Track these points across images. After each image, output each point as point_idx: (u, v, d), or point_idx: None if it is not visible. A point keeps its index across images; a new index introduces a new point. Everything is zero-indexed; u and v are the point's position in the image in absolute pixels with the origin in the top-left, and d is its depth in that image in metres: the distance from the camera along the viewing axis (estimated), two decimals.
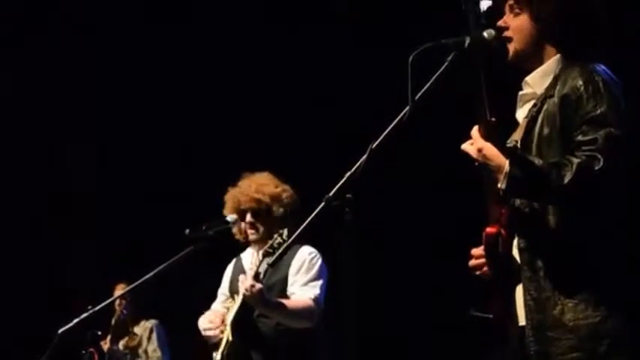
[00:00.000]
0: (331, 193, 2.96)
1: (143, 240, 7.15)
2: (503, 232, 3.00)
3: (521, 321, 3.03)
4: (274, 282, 4.65)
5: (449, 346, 6.23)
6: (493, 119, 2.94)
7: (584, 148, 2.88)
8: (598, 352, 2.89)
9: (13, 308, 7.43)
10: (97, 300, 4.73)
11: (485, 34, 3.04)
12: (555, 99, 3.00)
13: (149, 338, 6.84)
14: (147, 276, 4.63)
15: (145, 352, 6.79)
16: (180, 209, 6.68)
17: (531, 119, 3.07)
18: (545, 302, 2.95)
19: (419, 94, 2.99)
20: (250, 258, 4.85)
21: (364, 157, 2.96)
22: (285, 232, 4.55)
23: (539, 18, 3.10)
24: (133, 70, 7.60)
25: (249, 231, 4.79)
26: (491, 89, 2.93)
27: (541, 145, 3.01)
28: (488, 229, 3.01)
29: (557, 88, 3.02)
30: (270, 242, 4.56)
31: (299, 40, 7.11)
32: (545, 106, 3.03)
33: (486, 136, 2.94)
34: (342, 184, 2.96)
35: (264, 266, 4.55)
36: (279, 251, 3.19)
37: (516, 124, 3.21)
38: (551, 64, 3.12)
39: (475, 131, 2.97)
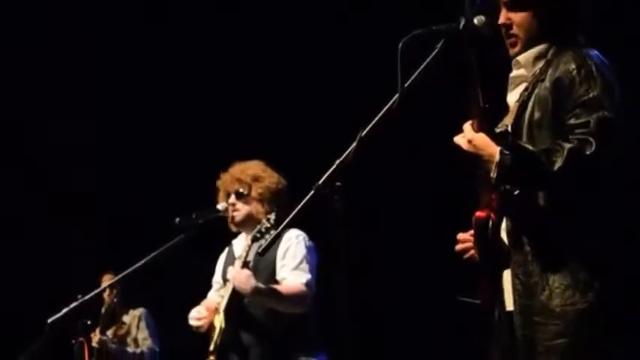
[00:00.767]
0: (320, 181, 2.96)
1: (133, 228, 7.14)
2: (492, 216, 3.01)
3: (509, 306, 3.04)
4: (263, 267, 4.64)
5: (443, 332, 6.25)
6: (486, 105, 2.94)
7: (576, 131, 2.89)
8: (584, 339, 2.90)
9: (2, 299, 7.42)
10: (86, 289, 4.71)
11: (475, 20, 3.05)
12: (547, 83, 3.01)
13: (138, 326, 6.82)
14: (136, 265, 4.62)
15: (135, 340, 6.78)
16: (170, 197, 6.67)
17: (522, 103, 3.08)
18: (532, 287, 2.96)
19: (408, 82, 2.99)
20: (241, 244, 4.84)
21: (354, 144, 2.96)
22: (273, 216, 4.56)
23: (540, 12, 3.10)
24: (129, 59, 7.58)
25: (233, 213, 4.78)
26: (482, 75, 2.93)
27: (532, 129, 3.01)
28: (478, 213, 3.03)
29: (549, 72, 3.03)
30: (258, 227, 4.57)
31: (288, 28, 7.09)
32: (536, 90, 3.04)
33: (479, 122, 2.95)
34: (332, 172, 2.96)
35: (253, 253, 4.56)
36: (269, 241, 3.19)
37: (507, 107, 3.21)
38: (544, 47, 3.13)
39: (467, 125, 2.98)
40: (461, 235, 3.16)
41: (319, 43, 6.91)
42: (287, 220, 3.09)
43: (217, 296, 4.81)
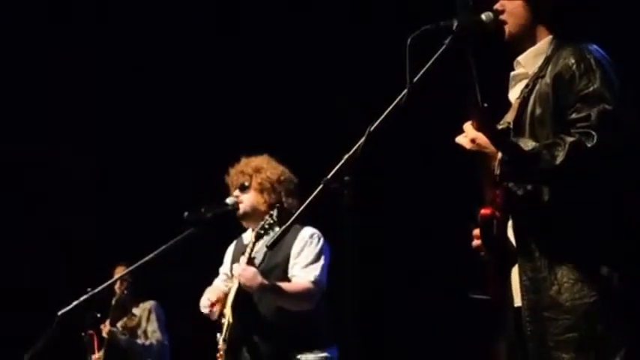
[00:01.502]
0: (329, 176, 2.96)
1: (143, 222, 7.15)
2: (497, 213, 3.02)
3: (517, 302, 3.05)
4: (276, 264, 4.64)
5: (451, 326, 6.25)
6: (485, 105, 2.95)
7: (578, 125, 2.90)
8: (594, 332, 2.91)
9: (13, 291, 7.45)
10: (96, 282, 4.73)
11: (483, 16, 3.07)
12: (547, 79, 3.02)
13: (148, 319, 6.86)
14: (146, 258, 4.63)
15: (144, 332, 6.82)
16: (180, 192, 6.69)
17: (523, 100, 3.09)
18: (541, 282, 2.96)
19: (417, 77, 2.99)
20: (249, 238, 4.85)
21: (362, 139, 2.96)
22: (275, 212, 4.55)
23: (532, 1, 3.12)
24: (130, 52, 7.59)
25: (239, 205, 4.79)
26: (483, 73, 2.93)
27: (534, 125, 3.03)
28: (483, 211, 3.03)
29: (549, 68, 3.04)
30: (262, 224, 4.57)
31: (298, 23, 7.09)
32: (537, 87, 3.06)
33: (480, 122, 2.96)
34: (341, 166, 2.97)
35: (258, 249, 4.56)
36: (278, 233, 3.19)
37: (509, 104, 3.22)
38: (543, 44, 3.15)
39: (467, 124, 2.99)
40: (477, 232, 3.14)
41: (329, 39, 6.91)
42: (296, 213, 3.10)
43: (224, 286, 4.81)
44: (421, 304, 6.53)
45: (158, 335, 6.80)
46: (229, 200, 4.81)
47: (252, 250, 4.56)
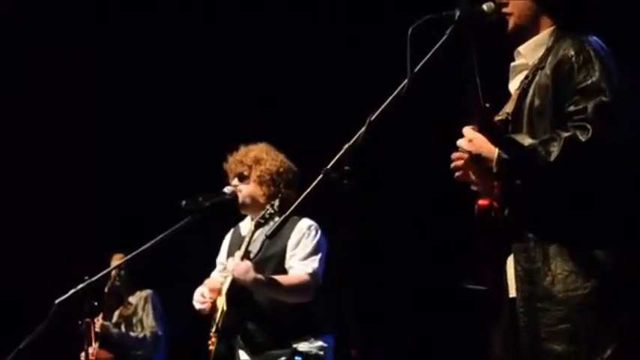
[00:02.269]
0: (329, 165, 2.95)
1: (140, 211, 7.15)
2: (495, 204, 3.02)
3: (512, 292, 3.05)
4: (272, 254, 4.65)
5: (448, 314, 6.26)
6: (487, 105, 2.95)
7: (574, 118, 2.91)
8: (587, 324, 2.91)
9: (10, 279, 7.45)
10: (94, 271, 4.73)
11: (484, 6, 3.06)
12: (547, 70, 3.03)
13: (144, 308, 6.84)
14: (144, 247, 4.62)
15: (140, 321, 6.80)
16: (177, 180, 6.68)
17: (522, 91, 3.10)
18: (535, 273, 2.97)
19: (418, 67, 2.99)
20: (247, 227, 4.85)
21: (362, 129, 2.96)
22: (277, 202, 4.55)
23: None
24: (128, 46, 7.58)
25: (238, 195, 4.78)
26: (483, 63, 2.93)
27: (532, 116, 3.03)
28: (481, 202, 3.04)
29: (549, 59, 3.04)
30: (262, 213, 4.57)
31: (299, 15, 7.09)
32: (536, 78, 3.06)
33: (481, 122, 2.96)
34: (341, 156, 2.96)
35: (257, 237, 4.56)
36: (278, 223, 3.18)
37: (509, 95, 3.22)
38: (544, 35, 3.15)
39: (467, 128, 2.99)
40: (454, 155, 3.09)
41: (329, 28, 6.91)
42: (295, 203, 3.09)
43: (220, 277, 4.82)
44: (418, 294, 6.54)
45: (154, 324, 6.78)
46: (227, 189, 4.81)
47: (248, 244, 4.55)
